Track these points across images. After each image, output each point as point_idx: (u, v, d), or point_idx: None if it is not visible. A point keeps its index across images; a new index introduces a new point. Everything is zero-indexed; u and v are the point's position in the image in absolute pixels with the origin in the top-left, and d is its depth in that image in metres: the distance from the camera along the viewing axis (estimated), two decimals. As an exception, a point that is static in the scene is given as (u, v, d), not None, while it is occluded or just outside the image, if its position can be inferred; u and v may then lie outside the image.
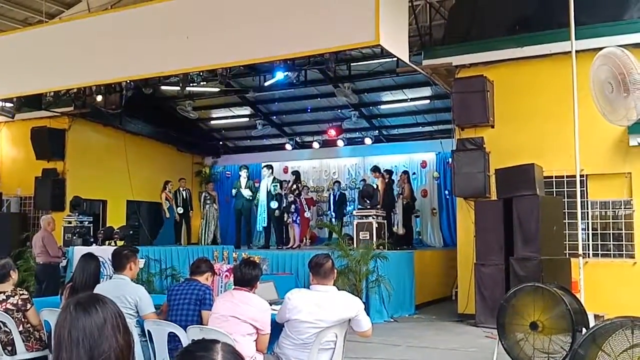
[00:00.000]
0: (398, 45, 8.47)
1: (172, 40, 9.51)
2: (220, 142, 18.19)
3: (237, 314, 4.19)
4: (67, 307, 1.79)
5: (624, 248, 9.11)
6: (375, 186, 12.44)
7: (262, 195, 13.09)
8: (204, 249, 11.82)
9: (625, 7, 9.13)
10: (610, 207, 9.27)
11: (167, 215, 13.82)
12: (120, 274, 4.92)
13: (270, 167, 13.38)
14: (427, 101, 14.29)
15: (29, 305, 5.26)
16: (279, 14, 8.72)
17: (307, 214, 13.57)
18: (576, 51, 6.78)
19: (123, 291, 4.67)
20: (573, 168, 6.76)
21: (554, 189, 9.25)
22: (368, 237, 10.72)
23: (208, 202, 14.25)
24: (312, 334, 4.10)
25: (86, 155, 13.84)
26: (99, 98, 12.19)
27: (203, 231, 14.11)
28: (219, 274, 5.79)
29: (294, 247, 12.85)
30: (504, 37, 9.76)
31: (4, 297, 5.20)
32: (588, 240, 9.18)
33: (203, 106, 15.89)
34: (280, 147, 17.02)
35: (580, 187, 6.84)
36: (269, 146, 17.44)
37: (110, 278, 5.81)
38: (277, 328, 4.34)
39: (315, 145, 16.28)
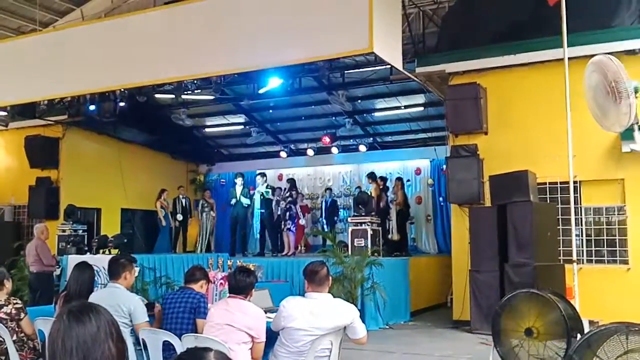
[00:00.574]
0: (391, 52, 8.53)
1: (166, 49, 9.55)
2: (215, 150, 18.17)
3: (232, 322, 4.18)
4: (60, 316, 1.79)
5: (617, 254, 9.13)
6: (369, 193, 12.45)
7: (256, 203, 13.09)
8: (198, 257, 11.78)
9: (616, 14, 9.21)
10: (604, 213, 9.31)
11: (163, 223, 13.80)
12: (115, 282, 4.91)
13: (263, 174, 13.38)
14: (421, 108, 14.35)
15: (22, 315, 5.22)
16: (273, 23, 8.77)
17: (302, 221, 13.57)
18: (568, 58, 6.83)
19: (117, 300, 4.66)
20: (566, 174, 6.78)
21: (548, 195, 9.29)
22: (363, 244, 10.70)
23: (205, 209, 14.26)
24: (308, 342, 4.09)
25: (80, 163, 13.81)
26: (92, 107, 12.11)
27: (201, 239, 14.10)
28: (214, 282, 5.79)
29: (288, 254, 12.82)
30: (497, 45, 9.80)
31: (-2, 307, 5.17)
32: (582, 247, 9.21)
33: (197, 114, 15.86)
34: (275, 154, 17.06)
35: (574, 194, 6.86)
36: (263, 154, 17.46)
37: (105, 286, 5.79)
38: (272, 336, 4.33)
39: (310, 152, 16.29)
